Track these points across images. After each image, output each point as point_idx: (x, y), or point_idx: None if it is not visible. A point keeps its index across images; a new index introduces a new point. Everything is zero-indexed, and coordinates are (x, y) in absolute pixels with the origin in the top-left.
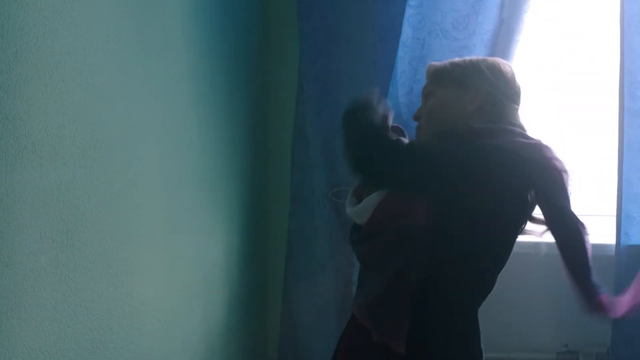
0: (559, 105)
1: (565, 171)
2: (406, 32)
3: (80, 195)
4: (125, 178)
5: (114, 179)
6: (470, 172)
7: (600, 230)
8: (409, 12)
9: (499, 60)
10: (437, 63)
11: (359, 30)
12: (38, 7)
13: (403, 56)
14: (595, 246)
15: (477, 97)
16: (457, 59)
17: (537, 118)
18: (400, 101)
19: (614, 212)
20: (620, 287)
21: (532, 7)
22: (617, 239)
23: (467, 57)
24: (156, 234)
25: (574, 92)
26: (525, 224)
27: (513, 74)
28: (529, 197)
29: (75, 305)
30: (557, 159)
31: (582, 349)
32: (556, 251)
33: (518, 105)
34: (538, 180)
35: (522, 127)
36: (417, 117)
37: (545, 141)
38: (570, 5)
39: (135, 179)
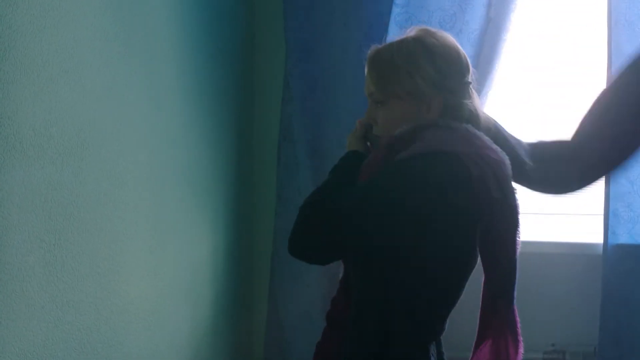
0: (546, 104)
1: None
2: (393, 31)
3: (68, 195)
4: (113, 177)
5: (101, 177)
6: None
7: (587, 229)
8: (395, 10)
9: (435, 42)
10: (374, 52)
11: (345, 29)
12: (25, 5)
13: None
14: (582, 245)
15: (434, 105)
16: (395, 50)
17: (524, 117)
18: None
19: (602, 211)
20: (607, 286)
21: (519, 6)
22: (604, 238)
23: (404, 45)
24: (143, 233)
25: (561, 91)
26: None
27: (456, 55)
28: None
29: (63, 305)
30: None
31: (569, 348)
32: (541, 250)
33: (469, 89)
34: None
35: (476, 117)
36: (369, 125)
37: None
38: (558, 3)
39: (122, 177)
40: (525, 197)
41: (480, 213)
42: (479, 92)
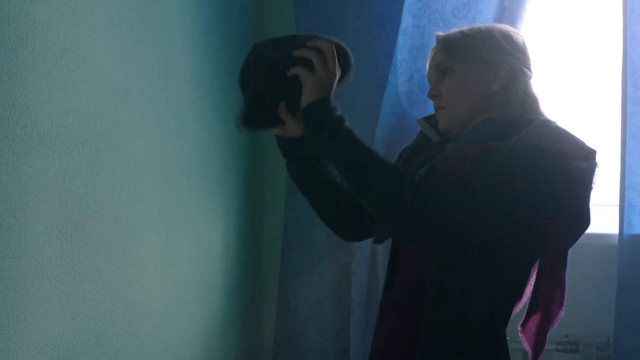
0: (561, 94)
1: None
2: (406, 20)
3: (84, 185)
4: (128, 167)
5: (117, 168)
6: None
7: (603, 219)
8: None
9: (507, 27)
10: (444, 33)
11: (357, 18)
12: None
13: (403, 44)
14: (598, 236)
15: (501, 73)
16: (465, 29)
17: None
18: (400, 90)
19: (617, 202)
20: (623, 277)
21: None
22: (620, 229)
23: (475, 26)
24: (157, 224)
25: (576, 81)
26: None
27: (524, 43)
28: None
29: (80, 298)
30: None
31: (582, 339)
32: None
33: (532, 76)
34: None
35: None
36: (433, 95)
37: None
38: None
39: (136, 168)
40: None
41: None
42: None
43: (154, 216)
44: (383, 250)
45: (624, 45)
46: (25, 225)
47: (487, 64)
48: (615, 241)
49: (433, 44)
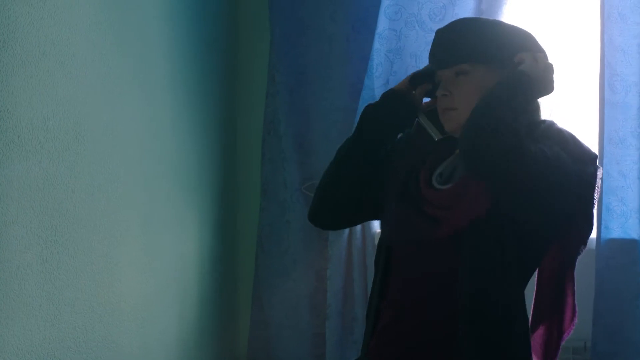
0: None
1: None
2: (382, 24)
3: (63, 190)
4: (107, 172)
5: (96, 172)
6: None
7: None
8: (385, 3)
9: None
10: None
11: (332, 21)
12: None
13: (379, 48)
14: None
15: None
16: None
17: None
18: (376, 94)
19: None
20: (600, 281)
21: None
22: (597, 233)
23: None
24: (135, 229)
25: (554, 85)
26: None
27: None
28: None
29: (60, 304)
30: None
31: None
32: None
33: None
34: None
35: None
36: (443, 95)
37: None
38: None
39: (115, 172)
40: None
41: None
42: None
43: (133, 222)
44: (358, 255)
45: (602, 49)
46: (6, 230)
47: (501, 69)
48: (593, 245)
49: (410, 47)
